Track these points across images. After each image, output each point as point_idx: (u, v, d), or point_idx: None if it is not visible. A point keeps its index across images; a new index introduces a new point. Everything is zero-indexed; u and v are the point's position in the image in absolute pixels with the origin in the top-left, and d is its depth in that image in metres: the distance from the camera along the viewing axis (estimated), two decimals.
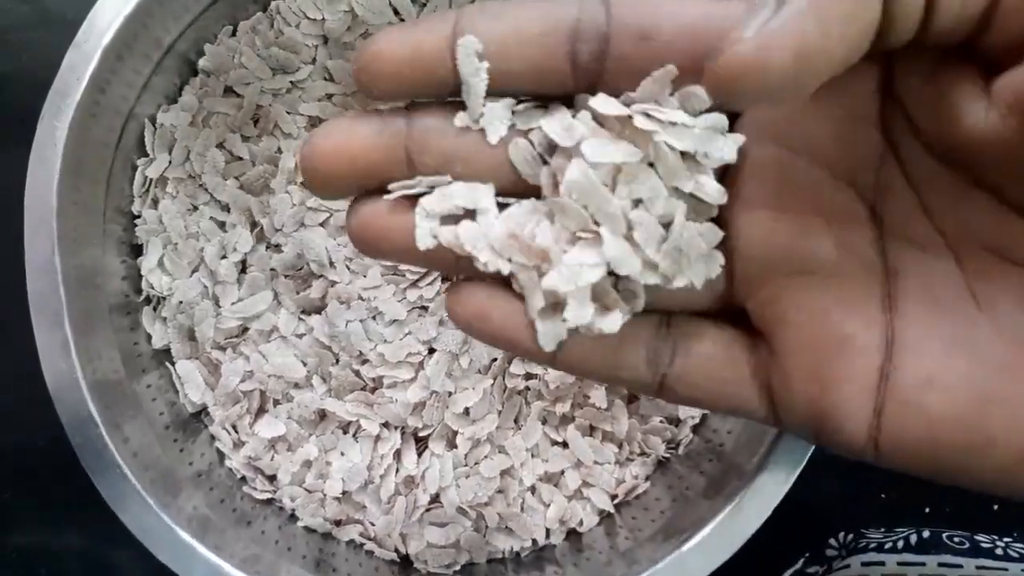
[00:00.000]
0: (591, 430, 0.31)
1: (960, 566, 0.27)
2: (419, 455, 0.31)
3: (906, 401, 0.14)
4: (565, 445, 0.30)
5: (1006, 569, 0.27)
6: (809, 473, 0.26)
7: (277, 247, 0.31)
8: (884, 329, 0.14)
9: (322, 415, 0.31)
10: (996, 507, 0.36)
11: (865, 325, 0.14)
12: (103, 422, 0.26)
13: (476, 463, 0.31)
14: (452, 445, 0.31)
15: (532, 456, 0.30)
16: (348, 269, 0.31)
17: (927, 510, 0.36)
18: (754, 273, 0.15)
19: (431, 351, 0.31)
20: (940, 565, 0.28)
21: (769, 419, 0.16)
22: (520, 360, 0.30)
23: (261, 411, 0.31)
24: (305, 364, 0.30)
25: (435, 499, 0.31)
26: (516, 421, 0.31)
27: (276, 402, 0.31)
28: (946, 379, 0.13)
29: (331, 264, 0.31)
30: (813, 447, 0.26)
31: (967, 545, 0.28)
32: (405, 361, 0.30)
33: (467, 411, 0.31)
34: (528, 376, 0.31)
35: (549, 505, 0.31)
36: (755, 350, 0.15)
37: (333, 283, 0.31)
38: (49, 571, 0.37)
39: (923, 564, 0.28)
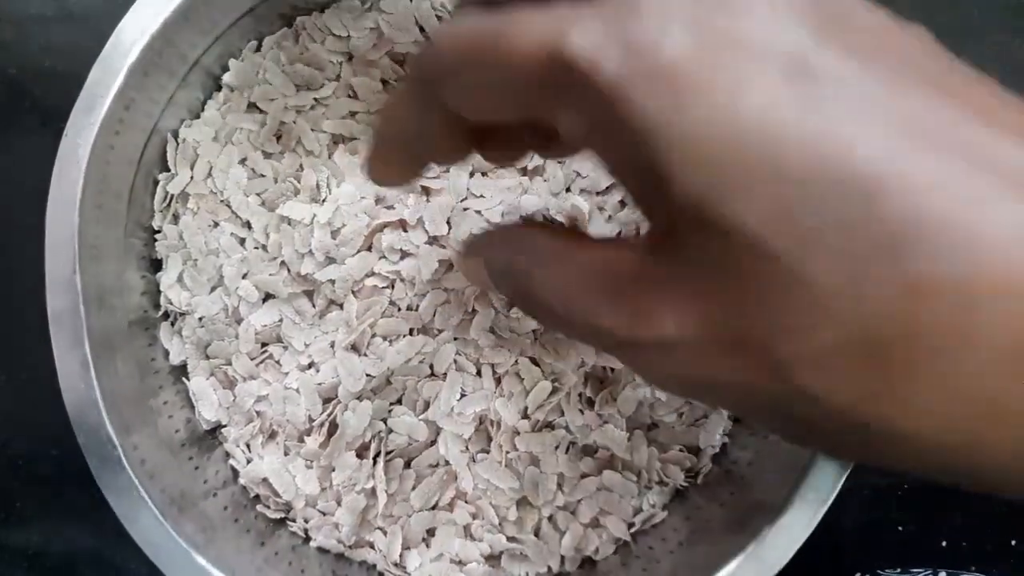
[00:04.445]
0: (611, 460, 0.30)
1: None
2: None
3: None
4: (584, 475, 0.30)
5: None
6: None
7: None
8: None
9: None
10: (1014, 543, 0.36)
11: None
12: (120, 444, 0.26)
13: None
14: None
15: (550, 486, 0.30)
16: (356, 295, 0.30)
17: (944, 543, 0.36)
18: None
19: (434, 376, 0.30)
20: None
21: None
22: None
23: (273, 435, 0.31)
24: (309, 414, 0.30)
25: None
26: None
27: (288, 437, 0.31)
28: None
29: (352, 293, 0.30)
30: (842, 481, 0.25)
31: None
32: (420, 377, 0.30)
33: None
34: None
35: (565, 532, 0.30)
36: None
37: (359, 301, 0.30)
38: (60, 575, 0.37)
39: None
